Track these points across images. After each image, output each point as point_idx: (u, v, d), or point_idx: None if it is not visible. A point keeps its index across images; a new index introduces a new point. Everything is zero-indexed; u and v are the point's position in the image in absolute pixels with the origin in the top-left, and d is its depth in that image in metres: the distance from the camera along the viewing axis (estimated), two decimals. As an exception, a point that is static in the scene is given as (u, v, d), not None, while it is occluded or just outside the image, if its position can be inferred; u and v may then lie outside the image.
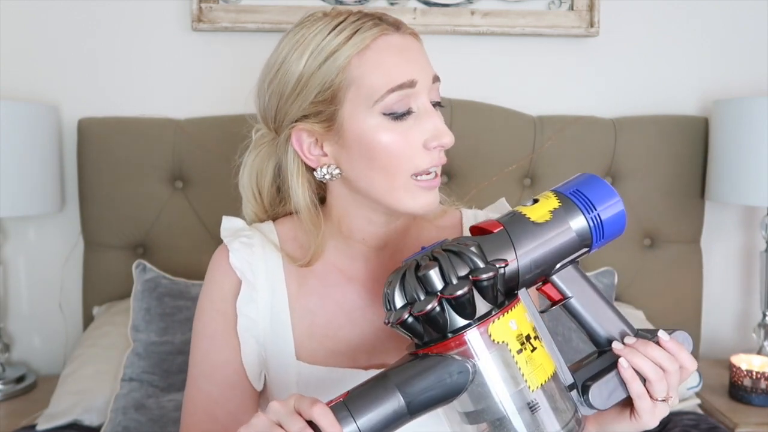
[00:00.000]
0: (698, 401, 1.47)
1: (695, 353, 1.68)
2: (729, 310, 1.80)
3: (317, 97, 0.73)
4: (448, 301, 0.61)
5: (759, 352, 1.60)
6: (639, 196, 1.65)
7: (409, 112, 0.73)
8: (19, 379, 1.59)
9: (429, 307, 0.60)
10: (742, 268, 1.79)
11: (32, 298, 1.74)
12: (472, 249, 0.63)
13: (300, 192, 0.78)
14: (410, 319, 0.62)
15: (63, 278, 1.71)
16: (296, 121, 0.75)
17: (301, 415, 0.57)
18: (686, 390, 1.44)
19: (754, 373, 1.46)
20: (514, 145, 1.63)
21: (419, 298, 0.62)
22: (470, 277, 0.61)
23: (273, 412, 0.58)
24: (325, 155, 0.76)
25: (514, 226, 0.67)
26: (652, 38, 1.73)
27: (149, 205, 1.62)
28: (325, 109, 0.74)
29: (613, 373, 0.69)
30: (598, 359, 0.71)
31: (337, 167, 0.76)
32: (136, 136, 1.61)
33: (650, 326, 1.53)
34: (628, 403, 0.71)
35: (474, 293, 0.61)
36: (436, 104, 0.76)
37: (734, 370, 1.49)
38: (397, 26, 0.75)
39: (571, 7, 1.69)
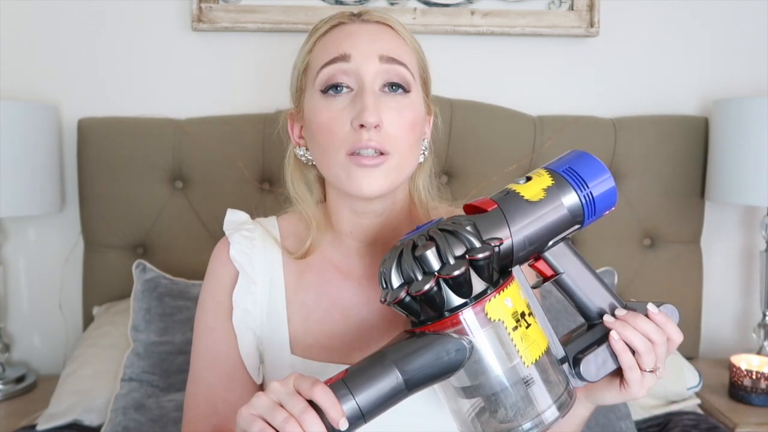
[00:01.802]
0: (698, 401, 1.47)
1: (695, 353, 1.69)
2: (729, 310, 1.80)
3: (295, 86, 0.82)
4: (446, 280, 0.61)
5: (759, 352, 1.59)
6: (639, 196, 1.65)
7: (342, 89, 0.74)
8: (19, 379, 1.59)
9: (427, 287, 0.61)
10: (742, 268, 1.79)
11: (32, 298, 1.74)
12: (468, 228, 0.64)
13: (289, 178, 0.85)
14: (407, 299, 0.62)
15: (63, 278, 1.71)
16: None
17: (301, 394, 0.58)
18: (686, 390, 1.44)
19: (754, 373, 1.46)
20: (514, 145, 1.63)
21: (416, 277, 0.63)
22: (467, 256, 0.62)
23: (273, 392, 0.59)
24: (302, 137, 0.83)
25: (508, 204, 0.68)
26: (652, 38, 1.73)
27: (149, 205, 1.62)
28: (298, 96, 0.82)
29: (603, 346, 0.70)
30: (588, 332, 0.72)
31: (308, 149, 0.82)
32: (136, 136, 1.61)
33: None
34: (617, 374, 0.72)
35: (470, 272, 0.62)
36: (392, 85, 0.75)
37: (734, 370, 1.49)
38: (360, 16, 0.79)
39: (571, 7, 1.69)
